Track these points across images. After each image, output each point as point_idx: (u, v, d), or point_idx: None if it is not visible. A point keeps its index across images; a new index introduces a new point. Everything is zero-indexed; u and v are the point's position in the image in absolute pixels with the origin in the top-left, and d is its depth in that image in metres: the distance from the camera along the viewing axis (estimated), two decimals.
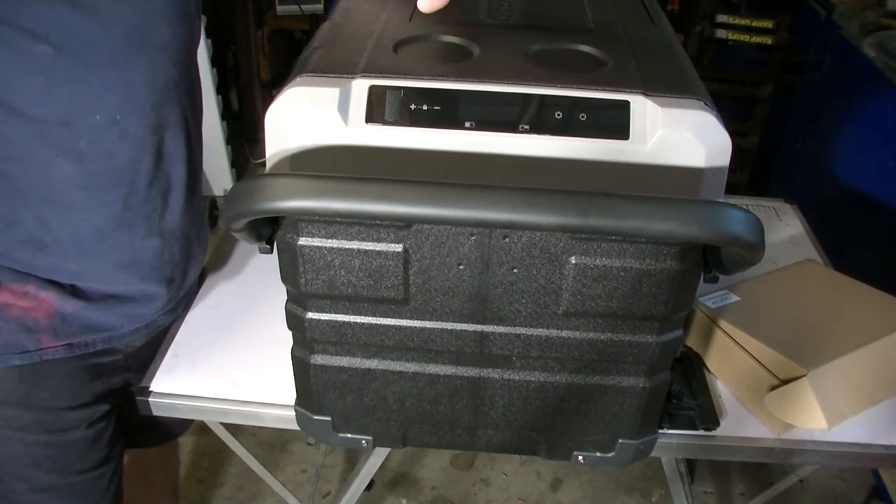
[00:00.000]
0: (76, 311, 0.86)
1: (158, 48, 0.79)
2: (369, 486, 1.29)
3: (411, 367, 0.77)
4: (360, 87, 0.66)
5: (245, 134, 2.91)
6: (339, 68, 0.69)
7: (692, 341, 0.99)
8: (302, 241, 0.67)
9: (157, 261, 0.89)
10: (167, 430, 1.13)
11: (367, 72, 0.68)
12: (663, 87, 0.67)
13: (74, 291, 0.86)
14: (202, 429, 1.18)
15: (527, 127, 0.65)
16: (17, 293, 0.82)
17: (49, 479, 0.92)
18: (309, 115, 0.66)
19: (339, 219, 0.65)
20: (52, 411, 0.89)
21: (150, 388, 0.91)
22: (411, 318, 0.73)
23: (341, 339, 0.75)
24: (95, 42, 0.73)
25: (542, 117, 0.66)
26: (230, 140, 2.55)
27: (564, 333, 0.72)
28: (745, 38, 2.33)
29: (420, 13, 0.77)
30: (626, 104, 0.65)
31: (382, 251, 0.67)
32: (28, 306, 0.83)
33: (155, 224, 0.87)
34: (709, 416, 0.88)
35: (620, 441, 0.81)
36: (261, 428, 1.83)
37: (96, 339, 0.89)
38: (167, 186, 0.87)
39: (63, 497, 0.94)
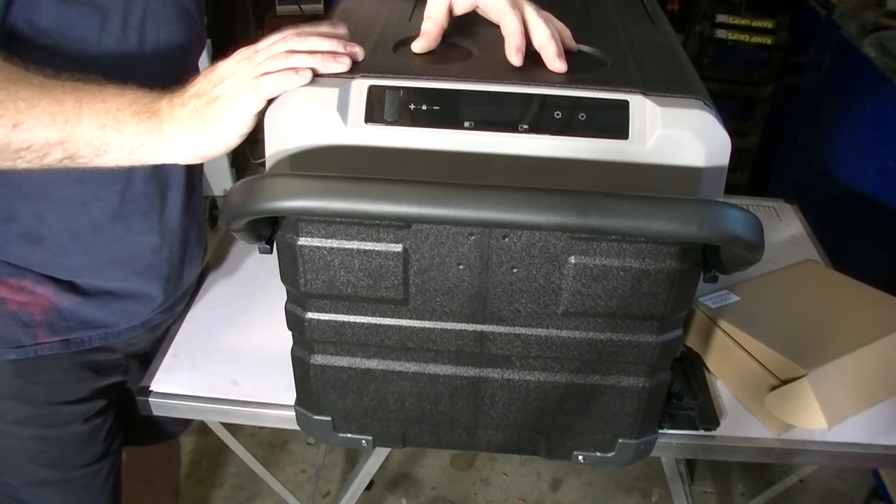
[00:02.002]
0: (73, 306, 0.86)
1: (156, 45, 0.79)
2: (369, 486, 1.29)
3: (411, 367, 0.77)
4: (359, 87, 0.67)
5: None
6: None
7: (692, 341, 0.99)
8: (302, 241, 0.67)
9: (153, 258, 0.89)
10: (166, 429, 1.13)
11: (367, 72, 0.68)
12: (663, 86, 0.67)
13: (71, 287, 0.86)
14: (202, 429, 1.18)
15: (526, 127, 0.65)
16: (14, 288, 0.83)
17: (45, 474, 0.92)
18: (308, 115, 0.66)
19: (338, 219, 0.65)
20: (48, 406, 0.89)
21: (151, 388, 0.91)
22: (411, 318, 0.73)
23: (341, 339, 0.75)
24: (93, 37, 0.73)
25: (541, 117, 0.66)
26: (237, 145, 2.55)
27: (564, 333, 0.72)
28: (745, 38, 2.33)
29: (420, 14, 0.77)
30: (625, 104, 0.65)
31: (382, 251, 0.67)
32: (25, 301, 0.83)
33: (153, 221, 0.87)
34: (709, 416, 0.88)
35: (620, 441, 0.81)
36: (261, 428, 1.83)
37: (92, 336, 0.89)
38: (166, 184, 0.87)
39: (59, 492, 0.94)
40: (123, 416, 1.01)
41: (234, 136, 0.67)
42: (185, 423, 1.15)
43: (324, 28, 0.72)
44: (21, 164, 0.65)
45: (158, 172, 0.85)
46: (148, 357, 0.96)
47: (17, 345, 0.84)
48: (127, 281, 0.89)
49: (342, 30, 0.72)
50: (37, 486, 0.93)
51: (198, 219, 0.96)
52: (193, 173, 0.92)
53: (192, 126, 0.66)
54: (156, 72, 0.77)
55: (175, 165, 0.86)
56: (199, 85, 0.68)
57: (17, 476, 0.92)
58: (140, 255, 0.88)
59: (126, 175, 0.82)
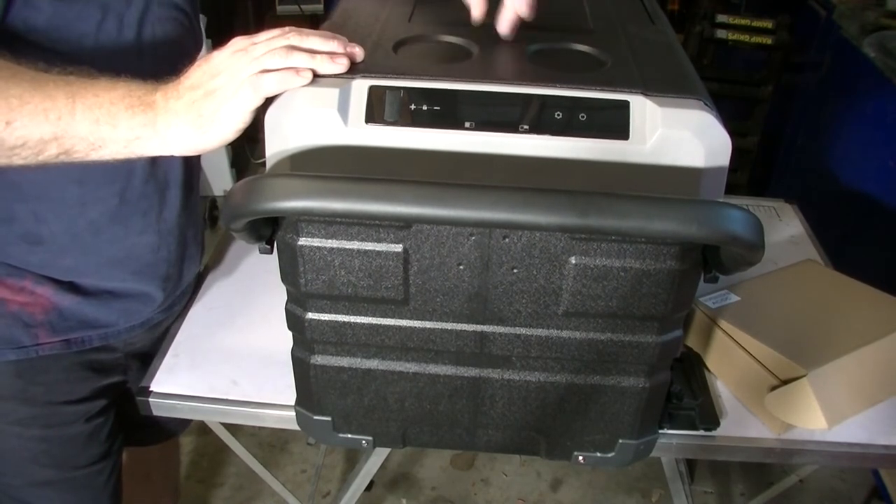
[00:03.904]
0: (73, 306, 0.86)
1: (152, 46, 0.79)
2: (369, 486, 1.29)
3: (411, 367, 0.77)
4: (359, 88, 0.67)
5: (245, 134, 2.91)
6: None
7: (692, 341, 0.99)
8: (302, 241, 0.67)
9: (151, 258, 0.89)
10: (166, 429, 1.13)
11: (367, 72, 0.68)
12: (663, 86, 0.67)
13: (71, 287, 0.86)
14: (202, 429, 1.18)
15: (526, 127, 0.65)
16: (14, 288, 0.83)
17: (47, 474, 0.92)
18: (309, 116, 0.66)
19: (338, 219, 0.65)
20: (49, 406, 0.89)
21: (151, 388, 0.91)
22: (411, 318, 0.73)
23: (341, 339, 0.75)
24: (89, 38, 0.73)
25: (541, 117, 0.66)
26: (233, 139, 2.55)
27: (564, 333, 0.72)
28: (745, 38, 2.33)
29: (420, 13, 0.77)
30: (625, 104, 0.65)
31: (382, 251, 0.67)
32: (25, 301, 0.83)
33: (151, 221, 0.87)
34: (709, 416, 0.88)
35: (620, 441, 0.81)
36: (261, 428, 1.83)
37: (93, 336, 0.89)
38: (164, 184, 0.87)
39: (61, 491, 0.94)
40: (123, 416, 1.01)
41: (230, 130, 0.67)
42: (184, 423, 1.15)
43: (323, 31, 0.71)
44: (17, 160, 0.65)
45: (157, 173, 0.85)
46: (148, 356, 0.96)
47: (17, 345, 0.84)
48: (125, 281, 0.89)
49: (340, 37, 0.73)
50: (38, 487, 0.93)
51: (195, 218, 0.96)
52: (192, 173, 0.92)
53: (187, 119, 0.66)
54: (152, 73, 0.77)
55: (173, 166, 0.87)
56: (194, 76, 0.67)
57: (18, 476, 0.92)
58: (139, 255, 0.88)
59: (125, 175, 0.82)
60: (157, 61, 0.78)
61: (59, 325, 0.86)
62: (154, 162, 0.84)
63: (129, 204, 0.84)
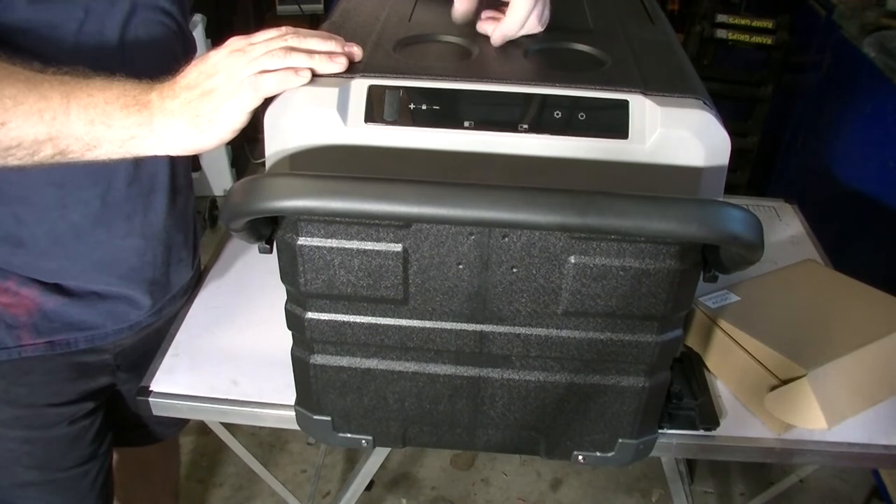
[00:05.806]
0: (58, 307, 0.86)
1: (136, 49, 0.78)
2: (369, 486, 1.29)
3: (411, 366, 0.77)
4: (359, 87, 0.67)
5: (245, 134, 2.90)
6: None
7: (692, 341, 0.99)
8: (301, 240, 0.67)
9: (137, 262, 0.88)
10: (159, 430, 1.13)
11: (367, 71, 0.68)
12: (662, 86, 0.67)
13: (57, 288, 0.85)
14: (202, 429, 1.18)
15: (526, 126, 0.65)
16: None
17: (31, 475, 0.92)
18: (308, 115, 0.66)
19: (338, 218, 0.65)
20: (32, 408, 0.89)
21: (151, 388, 0.91)
22: (411, 317, 0.73)
23: (341, 338, 0.75)
24: (69, 40, 0.73)
25: (541, 117, 0.66)
26: (230, 140, 2.55)
27: (564, 333, 0.72)
28: (745, 38, 2.33)
29: (420, 13, 0.77)
30: (625, 103, 0.65)
31: (382, 251, 0.67)
32: (8, 302, 0.83)
33: (136, 224, 0.86)
34: (709, 416, 0.88)
35: (620, 441, 0.81)
36: (261, 428, 1.83)
37: (79, 338, 0.89)
38: (149, 188, 0.86)
39: (46, 493, 0.94)
40: (115, 417, 1.00)
41: (227, 130, 0.66)
42: (178, 424, 1.15)
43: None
44: (13, 161, 0.65)
45: (141, 176, 0.85)
46: (137, 359, 0.96)
47: (0, 346, 0.84)
48: (111, 284, 0.88)
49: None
50: (22, 488, 0.93)
51: (185, 222, 0.95)
52: (178, 177, 0.91)
53: (184, 119, 0.65)
54: (136, 75, 0.74)
55: (158, 169, 0.86)
56: (190, 76, 0.66)
57: (2, 477, 0.91)
58: (124, 259, 0.87)
59: (107, 178, 0.82)
60: (142, 64, 0.76)
61: (43, 327, 0.85)
62: (138, 165, 0.83)
63: (112, 207, 0.83)
